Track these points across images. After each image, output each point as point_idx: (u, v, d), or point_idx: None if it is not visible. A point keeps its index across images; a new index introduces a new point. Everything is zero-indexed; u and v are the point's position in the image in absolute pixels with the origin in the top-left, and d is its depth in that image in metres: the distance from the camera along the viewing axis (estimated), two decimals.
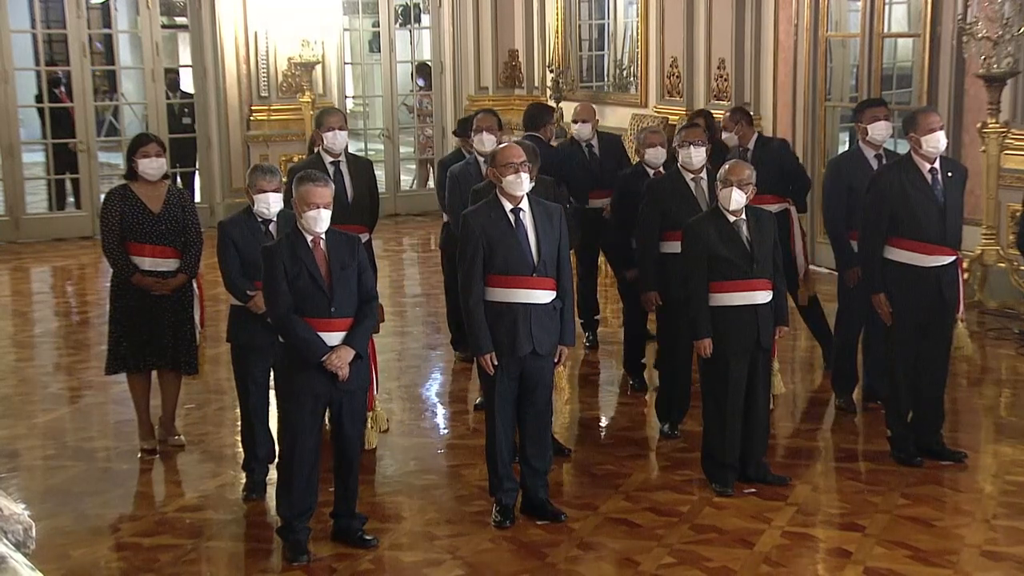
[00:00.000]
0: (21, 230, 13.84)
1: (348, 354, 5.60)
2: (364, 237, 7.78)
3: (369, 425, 6.20)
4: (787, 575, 5.47)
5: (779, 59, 11.54)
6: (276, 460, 6.05)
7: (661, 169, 7.64)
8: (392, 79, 15.35)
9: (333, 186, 5.78)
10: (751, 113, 8.84)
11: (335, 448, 5.87)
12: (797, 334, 8.86)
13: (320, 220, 5.59)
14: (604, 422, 7.71)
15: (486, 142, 7.70)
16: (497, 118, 8.17)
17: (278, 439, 5.91)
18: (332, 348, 5.58)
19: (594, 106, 9.42)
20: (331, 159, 7.77)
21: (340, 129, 7.74)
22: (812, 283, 8.08)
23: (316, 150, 7.96)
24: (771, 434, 6.75)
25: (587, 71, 15.05)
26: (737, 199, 6.17)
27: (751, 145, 8.12)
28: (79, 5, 13.73)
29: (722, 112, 11.79)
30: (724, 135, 8.21)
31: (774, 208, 7.55)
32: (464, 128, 8.58)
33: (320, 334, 5.57)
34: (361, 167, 8.04)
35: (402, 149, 15.84)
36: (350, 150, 8.10)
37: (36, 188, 15.25)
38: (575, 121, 8.92)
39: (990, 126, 9.32)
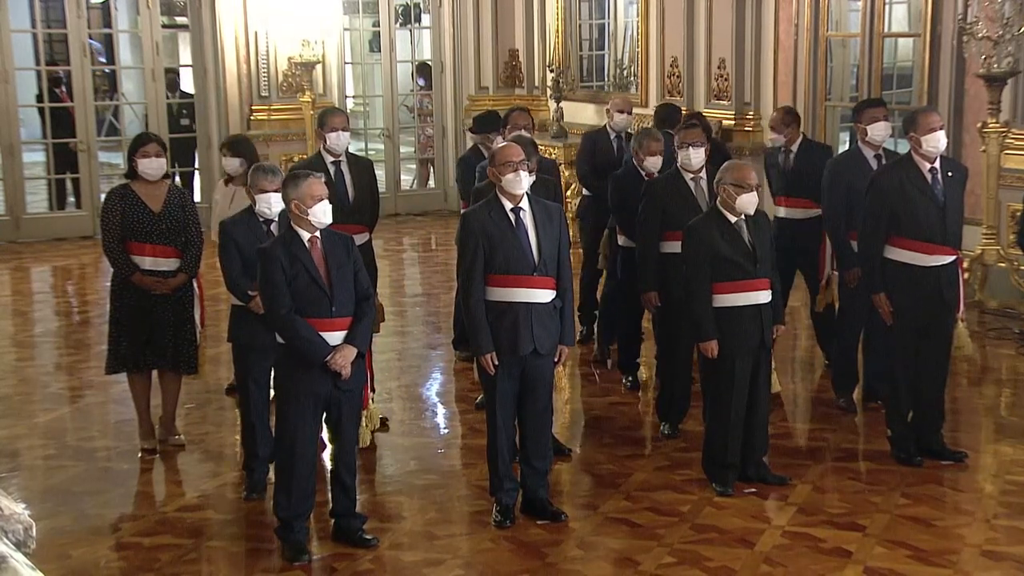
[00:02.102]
0: (21, 230, 13.83)
1: (351, 353, 5.60)
2: (364, 237, 7.78)
3: (363, 423, 6.19)
4: (787, 575, 5.47)
5: (779, 59, 11.54)
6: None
7: (654, 174, 7.64)
8: (392, 79, 15.34)
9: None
10: (799, 115, 8.73)
11: (334, 448, 5.88)
12: (797, 334, 8.87)
13: (327, 212, 5.61)
14: (604, 422, 7.70)
15: None
16: (531, 117, 8.27)
17: (276, 439, 5.91)
18: (335, 348, 5.58)
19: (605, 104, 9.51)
20: (332, 159, 7.77)
21: (343, 130, 7.74)
22: (831, 292, 8.00)
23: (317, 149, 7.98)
24: (771, 434, 6.75)
25: (587, 71, 15.03)
26: (755, 202, 6.19)
27: (795, 148, 8.09)
28: (79, 5, 13.71)
29: (722, 112, 11.92)
30: (772, 135, 8.17)
31: (813, 213, 7.58)
32: (481, 126, 8.59)
33: (322, 334, 5.58)
34: (362, 167, 8.04)
35: (402, 149, 15.83)
36: (350, 150, 8.09)
37: (36, 188, 15.25)
38: (621, 111, 9.09)
39: (990, 126, 9.31)
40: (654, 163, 7.67)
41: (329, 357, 5.56)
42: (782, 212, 8.06)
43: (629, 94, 13.30)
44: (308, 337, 5.56)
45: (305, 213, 5.59)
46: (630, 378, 8.17)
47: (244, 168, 7.55)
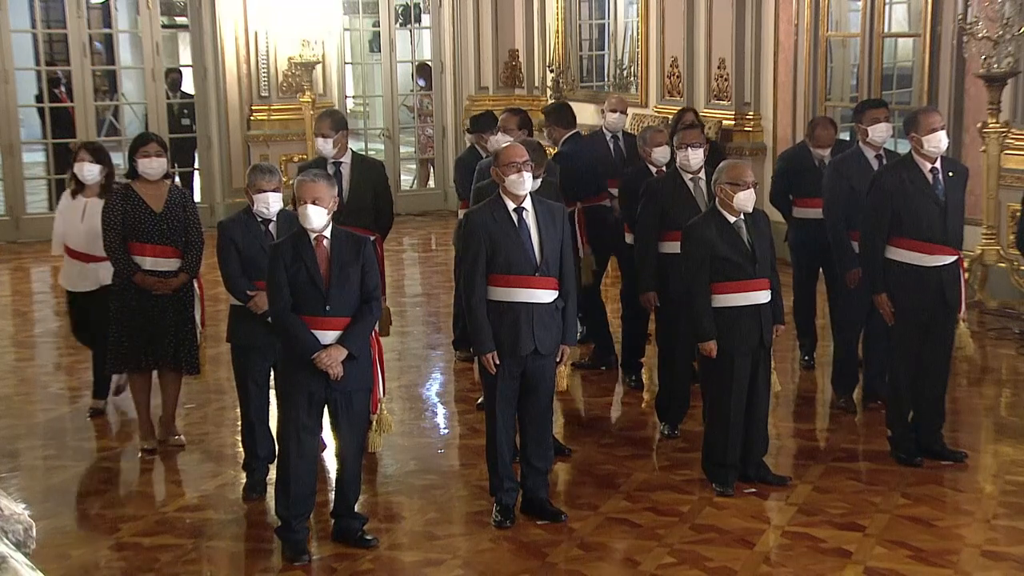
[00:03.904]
0: (21, 230, 13.84)
1: (339, 353, 5.59)
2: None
3: (373, 428, 6.16)
4: (787, 575, 5.47)
5: (779, 59, 11.54)
6: (276, 459, 6.05)
7: (664, 168, 7.65)
8: (392, 79, 15.35)
9: (329, 183, 5.69)
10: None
11: (336, 449, 5.88)
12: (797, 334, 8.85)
13: (309, 215, 5.57)
14: (605, 422, 7.71)
15: (500, 142, 7.69)
16: (519, 117, 8.19)
17: (277, 438, 5.92)
18: (324, 347, 5.58)
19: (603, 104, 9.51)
20: (331, 160, 7.74)
21: (324, 137, 7.63)
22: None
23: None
24: (771, 434, 6.74)
25: (587, 71, 15.04)
26: (752, 199, 6.19)
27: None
28: (79, 5, 13.73)
29: (722, 112, 11.92)
30: (821, 151, 8.10)
31: None
32: (477, 126, 8.59)
33: (315, 332, 5.58)
34: (365, 169, 7.91)
35: (402, 149, 15.85)
36: (352, 150, 8.03)
37: (36, 188, 15.25)
38: (613, 111, 9.06)
39: (990, 126, 9.31)
40: (662, 153, 7.63)
41: (315, 355, 5.56)
42: (812, 213, 8.02)
43: (626, 94, 13.32)
44: (297, 334, 5.57)
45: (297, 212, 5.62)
46: (634, 377, 8.16)
47: (102, 178, 7.49)
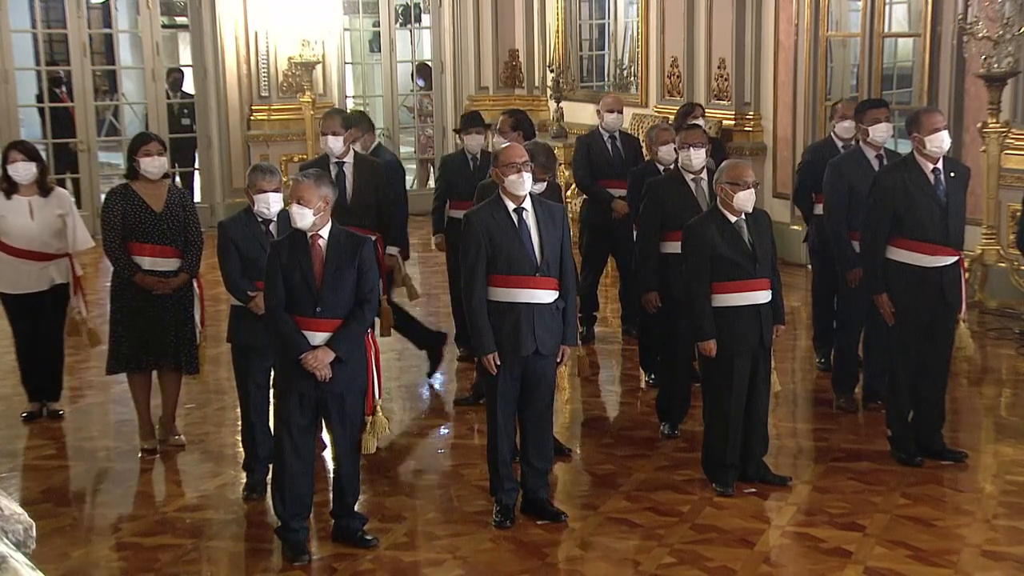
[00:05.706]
0: None
1: (327, 355, 5.58)
2: None
3: (367, 430, 6.16)
4: (787, 575, 5.47)
5: (779, 59, 11.54)
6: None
7: (671, 166, 7.64)
8: (392, 79, 15.35)
9: (317, 183, 5.63)
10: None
11: (332, 450, 5.89)
12: (797, 334, 8.87)
13: (292, 215, 5.59)
14: (605, 422, 7.70)
15: (498, 143, 7.75)
16: (514, 119, 8.17)
17: (274, 438, 5.92)
18: (312, 348, 5.58)
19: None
20: (335, 159, 7.74)
21: (334, 135, 7.66)
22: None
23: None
24: (771, 434, 6.74)
25: (587, 71, 15.05)
26: (752, 199, 6.18)
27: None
28: (79, 5, 13.72)
29: (722, 112, 11.92)
30: (844, 124, 7.90)
31: None
32: (462, 124, 8.61)
33: (306, 333, 5.58)
34: (369, 169, 7.89)
35: (402, 149, 15.84)
36: (355, 151, 8.02)
37: None
38: (611, 111, 9.05)
39: (991, 126, 9.31)
40: (668, 152, 7.68)
41: (302, 357, 5.56)
42: None
43: (626, 94, 13.33)
44: (286, 333, 5.58)
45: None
46: (652, 375, 8.12)
47: (37, 175, 7.45)
